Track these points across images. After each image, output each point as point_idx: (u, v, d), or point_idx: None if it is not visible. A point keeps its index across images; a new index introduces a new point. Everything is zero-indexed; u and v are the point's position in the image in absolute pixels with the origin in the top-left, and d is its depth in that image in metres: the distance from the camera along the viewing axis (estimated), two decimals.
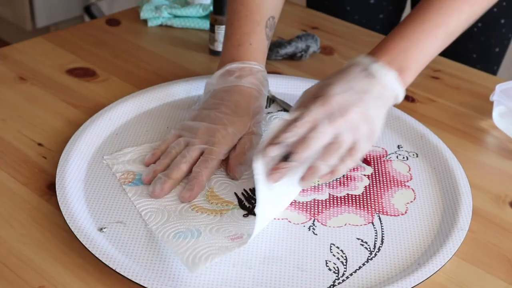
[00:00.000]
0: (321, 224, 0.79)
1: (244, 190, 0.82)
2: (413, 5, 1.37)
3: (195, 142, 0.84)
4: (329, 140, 0.74)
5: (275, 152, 0.73)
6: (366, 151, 0.77)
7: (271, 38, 0.98)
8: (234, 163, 0.84)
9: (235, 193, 0.82)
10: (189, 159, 0.82)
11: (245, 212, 0.79)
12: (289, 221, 0.79)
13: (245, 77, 0.90)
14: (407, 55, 0.81)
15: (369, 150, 0.79)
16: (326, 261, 0.74)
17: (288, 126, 0.73)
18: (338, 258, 0.74)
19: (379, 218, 0.80)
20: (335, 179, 0.79)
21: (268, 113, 0.98)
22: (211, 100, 0.90)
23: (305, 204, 0.81)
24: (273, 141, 0.73)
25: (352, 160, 0.75)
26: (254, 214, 0.78)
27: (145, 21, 1.26)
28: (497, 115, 1.00)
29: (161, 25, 1.26)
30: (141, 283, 0.68)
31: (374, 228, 0.79)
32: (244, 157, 0.84)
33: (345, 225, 0.79)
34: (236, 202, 0.80)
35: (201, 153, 0.84)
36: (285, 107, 1.00)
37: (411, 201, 0.83)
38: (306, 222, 0.79)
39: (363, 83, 0.77)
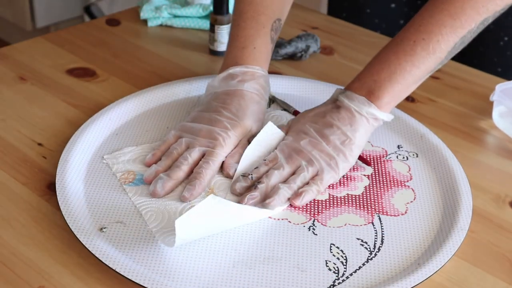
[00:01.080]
0: (321, 224, 0.79)
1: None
2: None
3: (196, 143, 0.84)
4: (289, 173, 0.82)
5: (239, 185, 0.81)
6: (331, 177, 0.83)
7: (276, 40, 0.98)
8: (228, 161, 0.84)
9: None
10: (190, 161, 0.83)
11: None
12: (289, 221, 0.79)
13: (248, 81, 0.90)
14: (379, 77, 0.84)
15: (334, 179, 0.83)
16: (326, 261, 0.74)
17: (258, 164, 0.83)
18: (338, 258, 0.74)
19: (379, 218, 0.80)
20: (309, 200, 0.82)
21: (268, 113, 0.98)
22: (213, 103, 0.90)
23: (305, 204, 0.81)
24: (238, 177, 0.82)
25: (316, 184, 0.81)
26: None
27: (145, 21, 1.26)
28: (497, 115, 1.00)
29: (161, 25, 1.26)
30: (141, 283, 0.68)
31: (374, 228, 0.79)
32: (240, 156, 0.85)
33: (345, 225, 0.79)
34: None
35: (202, 155, 0.84)
36: (285, 107, 1.00)
37: (411, 201, 0.83)
38: (306, 222, 0.79)
39: (328, 116, 0.85)
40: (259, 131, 0.87)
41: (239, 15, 0.94)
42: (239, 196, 0.80)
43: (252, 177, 0.81)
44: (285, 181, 0.81)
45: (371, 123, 0.85)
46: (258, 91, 0.91)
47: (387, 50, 0.86)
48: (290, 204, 0.80)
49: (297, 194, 0.80)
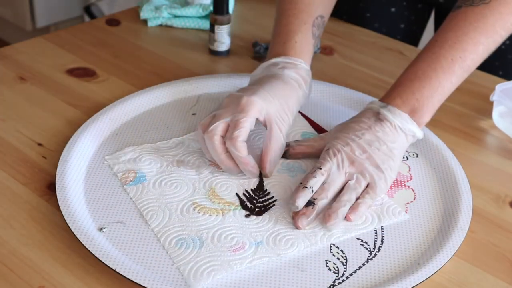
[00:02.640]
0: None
1: (246, 190, 0.82)
2: (437, 16, 1.35)
3: (221, 114, 0.82)
4: (342, 184, 0.80)
5: (303, 200, 0.77)
6: (381, 190, 0.81)
7: (320, 37, 0.97)
8: (266, 158, 0.83)
9: (237, 194, 0.82)
10: (216, 132, 0.81)
11: (247, 213, 0.79)
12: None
13: (289, 69, 0.89)
14: (421, 95, 0.84)
15: (383, 192, 0.82)
16: (326, 261, 0.74)
17: (310, 174, 0.80)
18: (338, 258, 0.74)
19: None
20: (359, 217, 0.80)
21: None
22: (248, 85, 0.88)
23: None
24: (302, 186, 0.78)
25: (370, 196, 0.79)
26: (256, 215, 0.78)
27: (145, 21, 1.26)
28: (497, 115, 1.00)
29: (161, 25, 1.26)
30: (141, 283, 0.68)
31: (374, 228, 0.79)
32: (277, 153, 0.84)
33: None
34: (237, 203, 0.80)
35: (228, 125, 0.82)
36: None
37: (411, 201, 0.83)
38: None
39: (372, 128, 0.83)
40: (289, 121, 0.85)
41: (281, 13, 0.95)
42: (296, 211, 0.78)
43: (312, 190, 0.78)
44: (339, 191, 0.80)
45: (409, 140, 0.85)
46: (297, 80, 0.89)
47: (424, 66, 0.85)
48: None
49: (352, 208, 0.79)
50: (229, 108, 0.83)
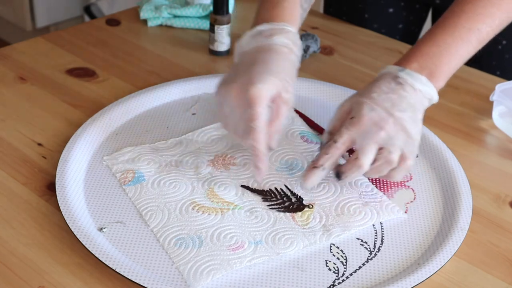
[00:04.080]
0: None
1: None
2: (434, 16, 1.35)
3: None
4: (374, 155, 0.78)
5: (316, 181, 0.79)
6: (414, 157, 0.80)
7: (307, 10, 0.94)
8: (271, 131, 0.80)
9: (276, 188, 0.82)
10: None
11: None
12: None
13: (277, 36, 0.85)
14: (439, 60, 0.84)
15: (414, 155, 0.80)
16: (326, 261, 0.74)
17: (324, 149, 0.78)
18: (338, 258, 0.74)
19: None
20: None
21: None
22: (240, 64, 0.84)
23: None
24: (311, 166, 0.78)
25: (405, 169, 0.79)
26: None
27: (145, 21, 1.26)
28: (497, 115, 1.00)
29: (161, 25, 1.26)
30: (141, 283, 0.68)
31: (374, 228, 0.79)
32: (280, 124, 0.81)
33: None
34: (236, 202, 0.80)
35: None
36: None
37: (411, 201, 0.83)
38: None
39: (394, 92, 0.80)
40: (292, 90, 0.82)
41: None
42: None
43: (324, 168, 0.77)
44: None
45: (425, 104, 0.83)
46: (288, 45, 0.85)
47: (442, 33, 0.85)
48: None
49: (388, 176, 0.80)
50: (239, 103, 0.79)
